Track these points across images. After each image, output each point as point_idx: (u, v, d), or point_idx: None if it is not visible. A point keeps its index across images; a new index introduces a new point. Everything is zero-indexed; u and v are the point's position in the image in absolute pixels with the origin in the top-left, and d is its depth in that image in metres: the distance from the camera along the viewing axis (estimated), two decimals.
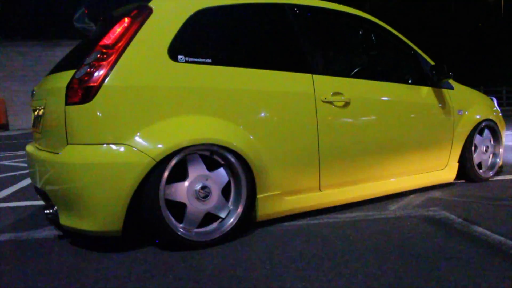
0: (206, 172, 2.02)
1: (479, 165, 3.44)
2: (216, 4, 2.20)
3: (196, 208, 2.00)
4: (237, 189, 2.12)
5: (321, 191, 2.48)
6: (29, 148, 2.45)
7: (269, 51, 2.40)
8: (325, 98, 2.40)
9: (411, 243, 2.03)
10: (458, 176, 3.37)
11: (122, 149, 1.83)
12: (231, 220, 2.09)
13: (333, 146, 2.44)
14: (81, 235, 1.97)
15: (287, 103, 2.28)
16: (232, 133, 2.06)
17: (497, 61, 24.74)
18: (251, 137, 2.12)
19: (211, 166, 2.08)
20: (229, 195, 2.14)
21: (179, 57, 2.00)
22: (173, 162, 1.93)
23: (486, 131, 3.49)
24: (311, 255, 1.90)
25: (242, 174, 2.10)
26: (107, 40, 1.91)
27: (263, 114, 2.20)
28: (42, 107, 2.16)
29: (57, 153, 1.93)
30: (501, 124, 3.64)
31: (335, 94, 2.44)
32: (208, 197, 2.02)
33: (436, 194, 3.10)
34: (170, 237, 1.93)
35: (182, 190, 1.97)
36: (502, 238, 2.07)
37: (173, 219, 1.95)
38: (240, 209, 2.11)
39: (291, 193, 2.34)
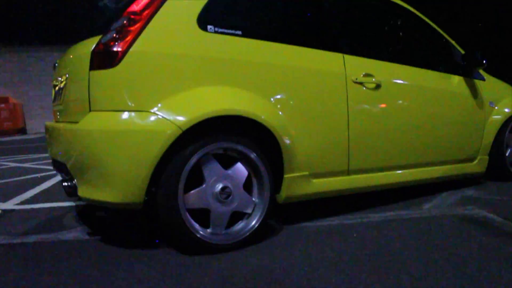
0: (223, 171, 1.93)
1: (511, 163, 3.31)
2: None
3: (220, 211, 1.91)
4: (259, 179, 2.02)
5: (349, 175, 2.40)
6: (48, 123, 2.43)
7: (300, 27, 2.35)
8: (356, 79, 2.33)
9: (454, 244, 1.93)
10: (488, 175, 3.25)
11: (146, 116, 1.76)
12: (259, 214, 2.01)
13: (363, 128, 2.37)
14: (100, 207, 1.89)
15: (317, 81, 2.22)
16: (261, 107, 1.99)
17: None
18: (280, 112, 2.05)
19: (227, 164, 1.98)
20: (251, 189, 2.04)
21: (209, 27, 1.95)
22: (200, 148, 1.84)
23: None
24: (350, 255, 1.81)
25: (262, 163, 1.99)
26: (135, 6, 1.87)
27: (292, 91, 2.13)
28: (65, 77, 2.11)
29: (78, 122, 1.86)
30: None
31: (366, 75, 2.38)
32: (230, 197, 1.93)
33: (469, 192, 2.99)
34: (193, 242, 1.85)
35: (202, 196, 1.88)
36: None
37: (197, 225, 1.87)
38: (266, 200, 2.02)
39: (319, 175, 2.26)
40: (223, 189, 1.90)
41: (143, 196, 1.78)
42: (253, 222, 1.98)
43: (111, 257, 1.88)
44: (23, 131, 15.70)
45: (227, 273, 1.66)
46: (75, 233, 2.24)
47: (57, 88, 2.36)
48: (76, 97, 1.94)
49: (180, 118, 1.77)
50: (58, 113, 2.31)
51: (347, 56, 2.34)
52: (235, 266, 1.73)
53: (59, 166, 2.17)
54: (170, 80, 1.82)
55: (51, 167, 4.97)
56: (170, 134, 1.74)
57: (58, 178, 4.13)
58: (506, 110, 3.21)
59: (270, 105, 2.03)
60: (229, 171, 1.94)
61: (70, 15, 15.28)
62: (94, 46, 1.83)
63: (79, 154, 1.84)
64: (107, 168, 1.75)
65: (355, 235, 2.08)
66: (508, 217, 2.32)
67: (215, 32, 1.96)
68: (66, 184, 1.98)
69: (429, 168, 2.80)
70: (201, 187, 1.87)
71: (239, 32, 2.03)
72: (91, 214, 2.70)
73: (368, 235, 2.08)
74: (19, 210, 2.84)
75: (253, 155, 1.96)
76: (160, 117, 1.76)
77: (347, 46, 2.38)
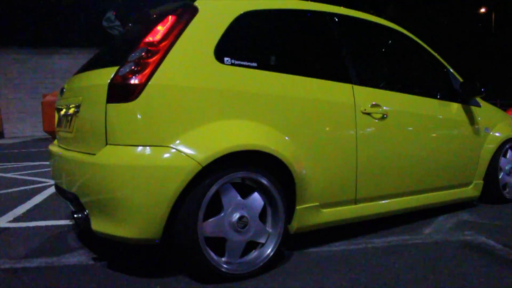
0: (240, 200, 1.93)
1: (504, 186, 3.41)
2: (262, 8, 2.18)
3: (236, 240, 1.91)
4: (274, 210, 2.03)
5: (356, 204, 2.42)
6: (54, 148, 2.37)
7: (311, 58, 2.39)
8: (365, 109, 2.37)
9: (461, 273, 1.97)
10: (481, 198, 3.34)
11: (166, 152, 1.74)
12: (273, 244, 2.01)
13: (370, 158, 2.40)
14: (114, 242, 1.86)
15: (329, 113, 2.24)
16: (276, 140, 1.99)
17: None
18: (293, 144, 2.06)
19: (243, 194, 1.98)
20: (264, 218, 2.04)
21: (225, 59, 1.95)
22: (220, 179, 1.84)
23: (509, 152, 3.47)
24: (362, 285, 1.83)
25: (278, 193, 2.00)
26: (152, 37, 1.85)
27: (305, 122, 2.15)
28: (75, 105, 2.06)
29: (93, 154, 1.82)
30: None
31: (373, 106, 2.41)
32: (247, 226, 1.93)
33: (465, 216, 3.06)
34: (209, 270, 1.83)
35: (220, 224, 1.87)
36: None
37: (213, 254, 1.86)
38: (280, 230, 2.02)
39: (328, 205, 2.28)
40: (240, 218, 1.89)
41: (161, 232, 1.77)
42: (268, 252, 1.99)
43: (122, 282, 1.84)
44: (0, 135, 15.28)
45: None
46: (79, 257, 2.19)
47: (63, 112, 2.32)
48: (90, 128, 1.91)
49: (200, 154, 1.76)
50: (64, 139, 2.26)
51: (356, 87, 2.37)
52: None
53: (66, 195, 2.12)
54: (188, 115, 1.81)
55: (39, 178, 4.85)
56: (190, 170, 1.73)
57: (49, 191, 4.03)
58: (500, 135, 3.31)
59: (284, 137, 2.04)
60: (246, 201, 1.94)
61: (51, 19, 15.01)
62: (111, 77, 1.80)
63: (95, 188, 1.81)
64: (125, 204, 1.73)
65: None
66: (507, 243, 2.38)
67: (232, 64, 1.96)
68: (77, 216, 1.93)
69: (430, 194, 2.85)
70: (219, 216, 1.87)
71: (254, 64, 2.03)
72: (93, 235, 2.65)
73: (376, 263, 2.11)
74: (14, 229, 2.76)
75: (270, 185, 1.97)
76: (180, 152, 1.74)
77: (356, 77, 2.41)
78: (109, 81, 1.80)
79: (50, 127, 11.97)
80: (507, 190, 3.44)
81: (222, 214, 1.87)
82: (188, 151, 1.75)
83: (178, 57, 1.84)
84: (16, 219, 3.01)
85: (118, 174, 1.73)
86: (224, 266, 1.86)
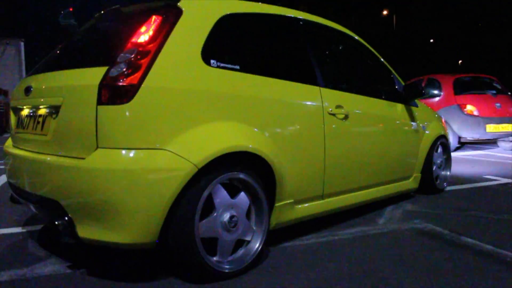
0: (230, 200, 1.98)
1: (436, 178, 3.82)
2: (241, 11, 2.24)
3: (227, 239, 1.96)
4: (259, 208, 2.11)
5: (323, 199, 2.59)
6: (14, 150, 2.21)
7: (286, 62, 2.51)
8: (330, 110, 2.53)
9: (423, 255, 2.23)
10: (418, 189, 3.71)
11: (162, 154, 1.73)
12: (259, 240, 2.08)
13: (335, 156, 2.58)
14: (103, 248, 1.80)
15: (302, 114, 2.38)
16: (261, 141, 2.07)
17: None
18: (273, 144, 2.15)
19: (231, 194, 2.02)
20: (249, 216, 2.10)
21: (212, 61, 1.98)
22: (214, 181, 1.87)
23: (440, 148, 3.89)
24: (346, 274, 1.98)
25: (262, 192, 2.08)
26: (141, 38, 1.82)
27: (282, 122, 2.25)
28: (50, 106, 1.95)
29: (82, 158, 1.74)
30: (448, 140, 4.09)
31: (337, 107, 2.59)
32: (237, 225, 1.99)
33: (408, 206, 3.39)
34: (204, 270, 1.86)
35: (212, 225, 1.90)
36: (491, 247, 2.36)
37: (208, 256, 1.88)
38: (265, 226, 2.11)
39: (300, 201, 2.41)
40: (231, 217, 1.94)
41: (157, 236, 1.76)
42: (255, 248, 2.06)
43: None
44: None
45: None
46: (53, 266, 2.07)
47: (25, 113, 2.17)
48: (76, 131, 1.81)
49: (196, 156, 1.77)
50: (31, 142, 2.11)
51: (322, 89, 2.53)
52: None
53: (33, 199, 2.00)
54: (180, 117, 1.81)
55: None
56: (187, 173, 1.74)
57: None
58: (434, 132, 3.71)
59: (267, 139, 2.12)
60: (235, 200, 1.99)
61: None
62: (102, 78, 1.73)
63: (84, 193, 1.73)
64: (119, 209, 1.68)
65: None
66: (453, 229, 2.71)
67: (218, 66, 1.99)
68: (58, 222, 1.81)
69: (382, 187, 3.13)
70: (211, 216, 1.90)
71: (237, 67, 2.08)
72: (55, 241, 2.50)
73: (351, 253, 2.28)
74: None
75: (255, 185, 2.04)
76: (176, 155, 1.74)
77: (322, 80, 2.57)
78: (99, 82, 1.73)
79: None
80: (438, 181, 3.87)
81: (215, 215, 1.90)
82: (183, 154, 1.75)
83: (168, 59, 1.83)
84: None
85: (112, 179, 1.68)
86: (216, 264, 1.89)
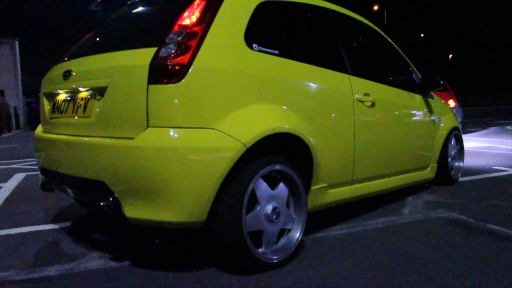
0: (271, 192, 2.01)
1: (450, 169, 3.89)
2: None
3: (271, 230, 1.99)
4: (297, 196, 2.14)
5: (352, 185, 2.65)
6: (53, 135, 2.22)
7: (319, 49, 2.57)
8: (359, 97, 2.60)
9: (457, 242, 2.29)
10: (433, 180, 3.78)
11: (212, 133, 1.76)
12: (299, 228, 2.12)
13: (364, 142, 2.64)
14: (150, 228, 1.80)
15: (335, 99, 2.45)
16: (300, 124, 2.11)
17: None
18: (310, 129, 2.19)
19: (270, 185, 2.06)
20: (288, 205, 2.14)
21: (254, 45, 2.02)
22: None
23: (453, 139, 3.96)
24: (387, 261, 2.03)
25: (300, 181, 2.12)
26: (187, 20, 1.86)
27: (317, 107, 2.31)
28: (94, 88, 1.96)
29: (131, 138, 1.76)
30: (461, 132, 4.18)
31: (365, 94, 2.66)
32: (279, 216, 2.02)
33: (428, 197, 3.45)
34: (251, 262, 1.89)
35: (257, 218, 1.93)
36: None
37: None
38: (304, 214, 2.15)
39: (332, 186, 2.46)
40: (273, 209, 1.98)
41: (206, 214, 1.78)
42: (297, 236, 2.10)
43: (162, 284, 1.83)
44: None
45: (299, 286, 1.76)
46: (98, 261, 2.10)
47: (63, 97, 2.19)
48: (124, 111, 1.82)
49: (244, 136, 1.81)
50: (69, 125, 2.12)
51: (351, 77, 2.60)
52: (298, 281, 1.83)
53: (77, 183, 2.02)
54: (227, 97, 1.84)
55: None
56: (236, 152, 1.78)
57: (2, 196, 3.67)
58: (448, 124, 3.79)
59: (303, 120, 2.17)
60: (275, 191, 2.03)
61: None
62: (152, 58, 1.76)
63: (134, 172, 1.74)
64: (171, 187, 1.70)
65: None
66: (477, 217, 2.78)
67: (259, 50, 2.04)
68: (104, 203, 1.83)
69: (403, 176, 3.20)
70: (256, 210, 1.93)
71: (276, 52, 2.13)
72: (88, 237, 2.52)
73: (385, 243, 2.34)
74: None
75: (294, 174, 2.08)
76: (225, 134, 1.77)
77: (351, 68, 2.64)
78: (150, 62, 1.75)
79: None
80: (453, 172, 3.94)
81: (258, 208, 1.94)
82: (232, 133, 1.79)
83: (215, 41, 1.87)
84: None
85: (163, 157, 1.70)
86: (262, 255, 1.93)
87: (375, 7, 37.08)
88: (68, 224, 2.77)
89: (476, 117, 18.65)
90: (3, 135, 14.01)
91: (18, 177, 4.73)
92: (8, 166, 5.74)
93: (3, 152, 8.03)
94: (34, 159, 6.44)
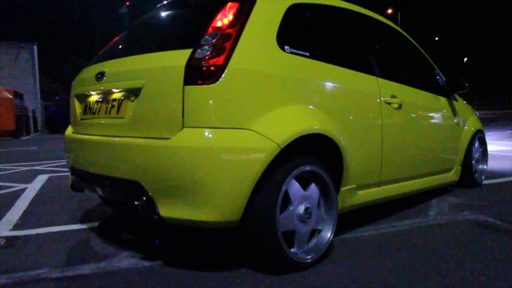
0: (303, 192, 2.02)
1: (474, 172, 3.85)
2: (307, 1, 2.32)
3: (303, 230, 2.00)
4: (328, 196, 2.14)
5: (379, 186, 2.64)
6: (84, 136, 2.26)
7: (347, 51, 2.59)
8: (387, 99, 2.60)
9: (488, 244, 2.26)
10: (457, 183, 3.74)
11: (247, 134, 1.78)
12: (330, 228, 2.12)
13: (391, 143, 2.64)
14: (185, 228, 1.82)
15: (363, 101, 2.46)
16: (330, 125, 2.13)
17: None
18: (339, 130, 2.20)
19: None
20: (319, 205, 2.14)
21: (285, 47, 2.04)
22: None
23: (477, 142, 3.92)
24: (418, 262, 2.02)
25: (331, 181, 2.13)
26: (221, 23, 1.89)
27: (346, 109, 2.31)
28: (128, 89, 1.99)
29: (166, 138, 1.78)
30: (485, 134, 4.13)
31: (392, 96, 2.66)
32: (311, 216, 2.03)
33: (452, 199, 3.42)
34: (284, 262, 1.89)
35: (290, 218, 1.94)
36: None
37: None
38: (335, 214, 2.15)
39: (360, 187, 2.46)
40: (306, 209, 1.98)
41: (241, 214, 1.80)
42: (328, 236, 2.10)
43: (195, 283, 1.84)
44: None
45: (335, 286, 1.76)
46: (129, 260, 2.12)
47: (95, 99, 2.24)
48: (160, 112, 1.84)
49: (278, 136, 1.83)
50: (101, 126, 2.16)
51: (379, 79, 2.60)
52: (331, 281, 1.83)
53: (110, 183, 2.05)
54: (261, 98, 1.87)
55: (2, 183, 4.45)
56: (271, 152, 1.79)
57: (28, 196, 3.74)
58: (472, 126, 3.75)
59: (333, 122, 2.17)
60: (307, 192, 2.03)
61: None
62: (188, 59, 1.78)
63: (170, 172, 1.76)
64: (207, 187, 1.72)
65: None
66: (504, 219, 2.74)
67: (291, 52, 2.06)
68: (138, 203, 1.86)
69: (428, 178, 3.18)
70: (288, 210, 1.94)
71: (307, 54, 2.15)
72: (117, 237, 2.56)
73: (415, 243, 2.32)
74: (26, 237, 2.56)
75: (325, 175, 2.08)
76: (260, 135, 1.79)
77: (378, 70, 2.64)
78: (185, 63, 1.77)
79: None
80: (477, 175, 3.89)
81: (291, 208, 1.95)
82: (267, 133, 1.81)
83: (249, 43, 1.89)
84: (16, 227, 2.78)
85: (199, 157, 1.72)
86: (295, 255, 1.94)
87: (389, 11, 36.87)
88: (95, 224, 2.81)
89: (490, 121, 18.39)
90: (23, 138, 14.26)
91: (41, 178, 4.81)
92: (30, 168, 5.84)
93: (24, 154, 8.17)
94: (55, 161, 6.55)
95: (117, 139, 2.01)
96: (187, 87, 1.76)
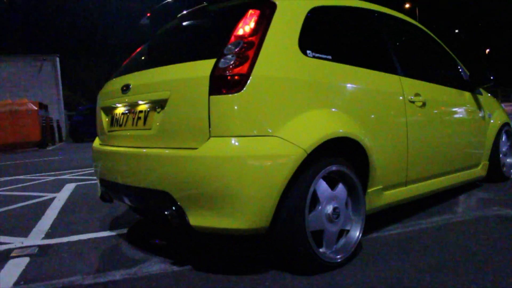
0: (331, 192, 2.02)
1: (502, 166, 3.77)
2: (327, 4, 2.32)
3: (332, 230, 2.00)
4: (355, 197, 2.14)
5: (406, 186, 2.61)
6: (113, 148, 2.30)
7: (369, 52, 2.56)
8: (410, 98, 2.57)
9: None
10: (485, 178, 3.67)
11: (273, 141, 1.79)
12: (358, 228, 2.11)
13: (417, 142, 2.60)
14: (215, 236, 1.83)
15: (387, 101, 2.44)
16: (355, 127, 2.12)
17: None
18: (364, 131, 2.19)
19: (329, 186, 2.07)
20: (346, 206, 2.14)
21: (308, 51, 2.04)
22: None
23: (504, 135, 3.84)
24: (449, 260, 1.99)
25: (359, 181, 2.12)
26: (242, 31, 1.90)
27: (371, 110, 2.30)
28: (154, 100, 2.02)
29: (194, 148, 1.81)
30: None
31: (416, 94, 2.63)
32: (340, 216, 2.03)
33: (480, 194, 3.36)
34: (314, 262, 1.90)
35: (318, 218, 1.95)
36: None
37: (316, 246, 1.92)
38: (363, 214, 2.14)
39: (387, 188, 2.44)
40: (334, 209, 1.98)
41: (270, 221, 1.81)
42: (356, 237, 2.09)
43: (228, 287, 1.86)
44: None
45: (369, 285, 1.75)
46: (159, 265, 2.16)
47: (121, 111, 2.28)
48: (186, 122, 1.87)
49: (304, 142, 1.83)
50: (128, 138, 2.20)
51: (402, 78, 2.57)
52: (361, 281, 1.82)
53: (138, 193, 2.09)
54: (285, 104, 1.87)
55: (31, 193, 4.58)
56: (297, 158, 1.80)
57: (57, 205, 3.84)
58: (499, 120, 3.67)
59: (358, 124, 2.16)
60: (335, 192, 2.03)
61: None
62: (212, 69, 1.80)
63: (199, 182, 1.79)
64: (234, 195, 1.74)
65: None
66: None
67: (313, 57, 2.06)
68: (168, 212, 1.90)
69: (455, 175, 3.12)
70: (317, 209, 1.94)
71: (329, 57, 2.14)
72: (146, 243, 2.60)
73: (442, 241, 2.29)
74: (58, 245, 2.63)
75: (352, 175, 2.08)
76: (286, 141, 1.80)
77: (400, 69, 2.61)
78: (210, 73, 1.80)
79: None
80: (505, 169, 3.81)
81: (320, 208, 1.95)
82: (293, 139, 1.81)
83: (271, 50, 1.90)
84: (48, 236, 2.87)
85: (227, 166, 1.74)
86: (324, 256, 1.94)
87: (407, 5, 36.39)
88: (124, 230, 2.86)
89: None
90: (49, 148, 14.63)
91: (69, 187, 4.93)
92: (58, 177, 5.99)
93: (51, 164, 8.38)
94: (81, 170, 6.70)
95: (145, 150, 2.05)
96: (213, 97, 1.78)
